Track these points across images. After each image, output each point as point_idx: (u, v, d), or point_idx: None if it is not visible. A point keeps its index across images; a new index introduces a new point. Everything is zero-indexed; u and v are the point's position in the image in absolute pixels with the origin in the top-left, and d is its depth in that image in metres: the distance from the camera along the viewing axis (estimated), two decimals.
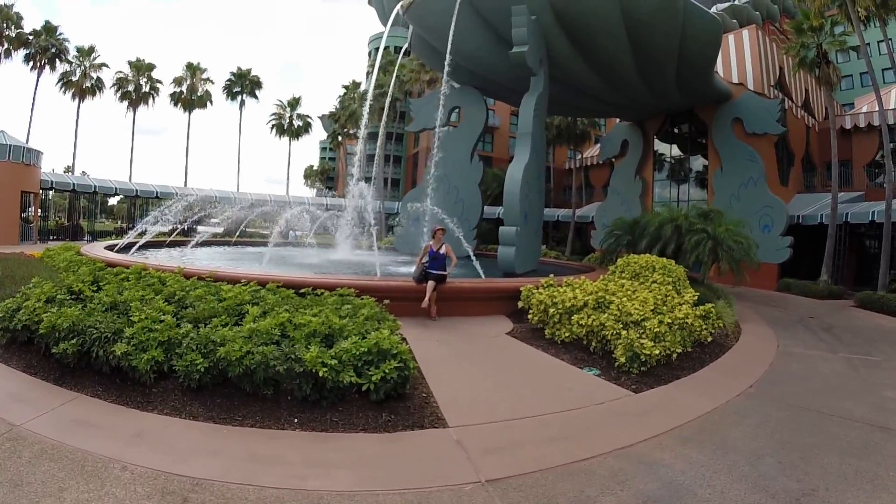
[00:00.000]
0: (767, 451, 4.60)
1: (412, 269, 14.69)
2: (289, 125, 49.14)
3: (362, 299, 6.98)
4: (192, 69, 44.63)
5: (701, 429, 5.06)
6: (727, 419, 5.38)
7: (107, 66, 40.97)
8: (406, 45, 23.49)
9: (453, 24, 16.15)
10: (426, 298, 8.71)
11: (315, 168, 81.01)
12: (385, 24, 20.69)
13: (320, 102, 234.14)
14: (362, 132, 20.58)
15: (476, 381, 6.09)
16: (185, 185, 41.22)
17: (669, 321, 7.58)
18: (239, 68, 47.26)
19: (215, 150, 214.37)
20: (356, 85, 45.55)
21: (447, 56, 16.79)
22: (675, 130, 26.91)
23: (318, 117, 54.86)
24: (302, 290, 7.36)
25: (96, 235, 32.90)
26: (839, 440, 4.94)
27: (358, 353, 4.51)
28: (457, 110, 22.16)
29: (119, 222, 51.93)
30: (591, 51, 17.09)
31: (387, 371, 4.36)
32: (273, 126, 49.86)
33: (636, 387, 6.38)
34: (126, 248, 14.48)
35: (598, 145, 38.33)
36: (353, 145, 63.04)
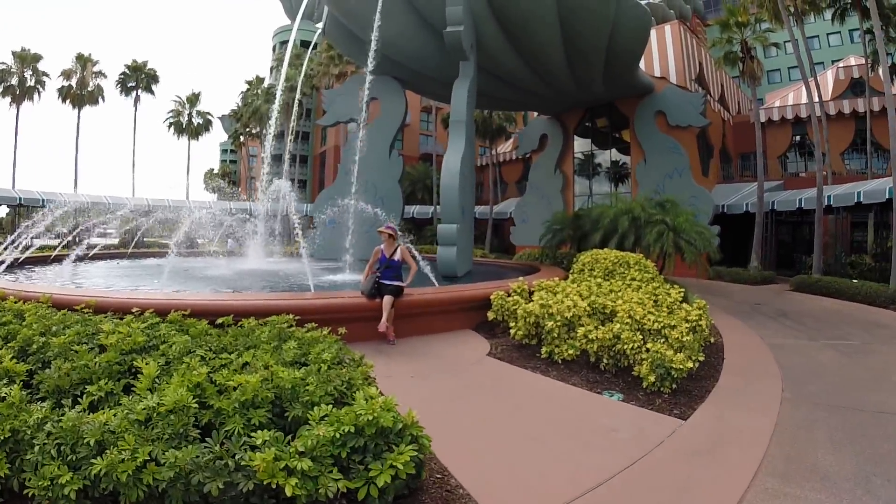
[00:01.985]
0: (864, 470, 3.87)
1: (341, 276, 12.89)
2: (188, 123, 44.94)
3: (307, 329, 4.88)
4: (83, 61, 39.22)
5: (786, 457, 4.05)
6: (797, 438, 4.48)
7: None
8: (315, 39, 21.38)
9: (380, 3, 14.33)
10: (384, 318, 6.71)
11: (215, 171, 75.35)
12: (292, 19, 18.56)
13: (220, 100, 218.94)
14: (271, 129, 17.96)
15: (494, 437, 4.24)
16: (76, 190, 36.34)
17: (688, 326, 6.27)
18: (134, 61, 42.41)
19: (108, 151, 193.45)
20: (260, 81, 42.37)
21: (373, 39, 14.87)
22: (595, 124, 26.66)
23: (219, 118, 50.80)
24: (219, 321, 5.11)
25: None
26: None
27: (340, 438, 2.56)
28: (372, 102, 20.34)
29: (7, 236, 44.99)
30: (521, 37, 15.95)
31: (400, 465, 2.40)
32: (171, 124, 45.39)
33: (677, 411, 5.04)
34: None
35: (511, 141, 38.15)
36: (256, 146, 59.10)
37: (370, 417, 2.59)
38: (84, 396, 3.08)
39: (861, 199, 17.30)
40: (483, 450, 3.96)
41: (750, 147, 24.32)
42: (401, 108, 19.46)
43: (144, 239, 22.88)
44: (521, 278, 8.74)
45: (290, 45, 24.07)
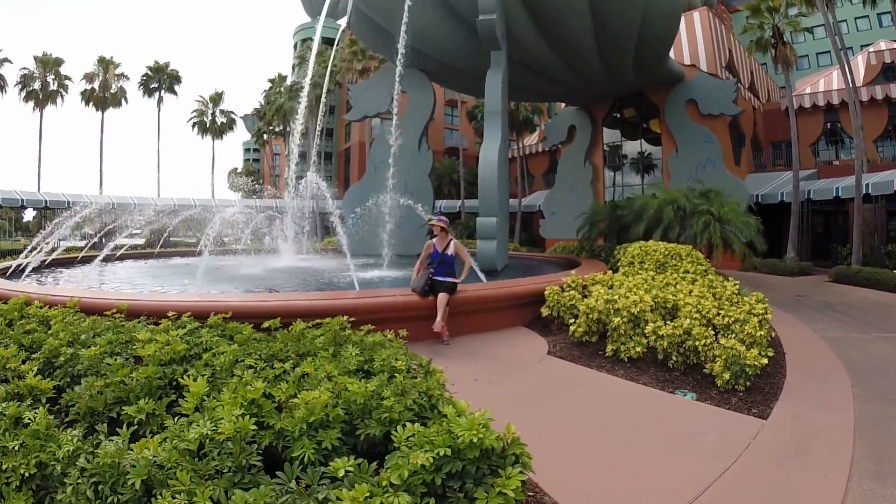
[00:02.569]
0: None
1: (376, 272, 12.71)
2: (211, 122, 45.11)
3: (365, 332, 4.43)
4: (105, 63, 39.31)
5: (875, 457, 3.83)
6: (881, 436, 4.25)
7: (9, 61, 35.90)
8: (337, 36, 21.22)
9: None
10: (439, 317, 6.30)
11: (239, 170, 76.31)
12: (312, 16, 18.47)
13: (243, 99, 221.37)
14: (298, 126, 17.80)
15: (578, 445, 3.81)
16: (101, 192, 36.63)
17: (757, 319, 5.98)
18: (156, 62, 42.58)
19: (133, 152, 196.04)
20: (282, 79, 42.31)
21: (402, 33, 14.60)
22: (624, 114, 25.99)
23: (241, 117, 51.18)
24: (265, 324, 4.68)
25: (4, 255, 27.77)
26: None
27: (432, 463, 2.11)
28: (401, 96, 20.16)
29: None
30: (551, 25, 15.45)
31: (510, 492, 2.10)
32: (195, 124, 45.56)
33: (756, 410, 4.74)
34: (23, 270, 11.12)
35: (537, 133, 37.66)
36: (280, 144, 59.31)
37: (473, 439, 2.30)
38: (122, 421, 2.61)
39: None
40: (570, 461, 3.62)
41: (781, 135, 23.53)
42: (429, 101, 19.15)
43: (171, 238, 23.04)
44: (573, 272, 8.47)
45: (317, 38, 23.71)
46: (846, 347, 7.26)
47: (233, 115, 46.40)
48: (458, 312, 7.02)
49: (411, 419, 2.63)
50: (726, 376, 5.12)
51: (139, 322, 4.74)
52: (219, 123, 45.44)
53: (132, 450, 2.15)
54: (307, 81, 21.51)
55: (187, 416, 2.51)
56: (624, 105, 25.36)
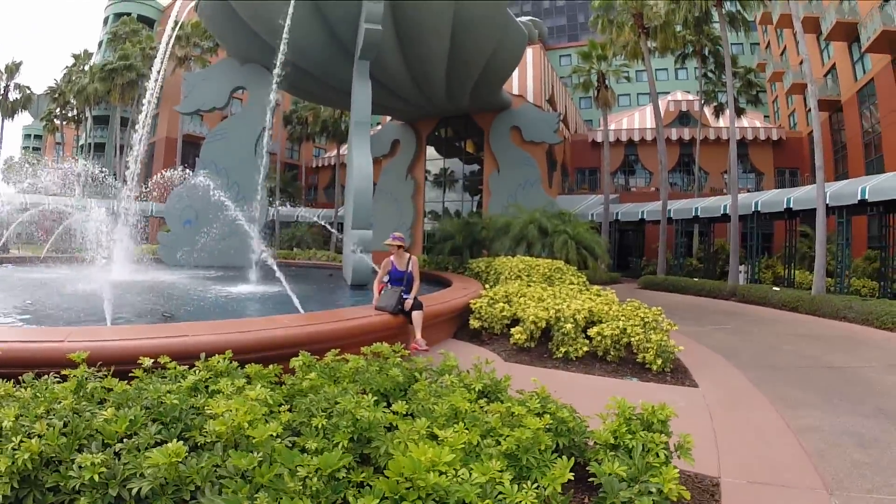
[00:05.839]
0: (793, 386, 6.61)
1: (245, 287, 11.99)
2: (3, 97, 37.64)
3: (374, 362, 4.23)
4: None
5: (785, 399, 6.01)
6: (767, 382, 6.69)
7: None
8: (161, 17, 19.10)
9: None
10: (418, 334, 6.65)
11: (15, 160, 61.73)
12: None
13: (42, 74, 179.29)
14: (146, 110, 15.32)
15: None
16: None
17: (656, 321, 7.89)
18: None
19: None
20: (88, 55, 35.99)
21: (283, 38, 14.02)
22: (449, 133, 28.77)
23: (39, 96, 42.65)
24: (293, 363, 4.17)
25: None
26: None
27: None
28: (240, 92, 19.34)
29: None
30: (412, 44, 16.74)
31: None
32: None
33: (687, 382, 6.56)
34: None
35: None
36: (72, 133, 50.28)
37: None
38: None
39: (699, 214, 21.97)
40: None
41: (586, 163, 28.99)
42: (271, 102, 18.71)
43: None
44: (480, 290, 9.60)
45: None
46: (699, 337, 9.65)
47: (29, 91, 39.34)
48: (392, 327, 7.35)
49: None
50: (659, 362, 6.77)
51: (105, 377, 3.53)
52: (12, 100, 38.27)
53: None
54: (164, 58, 18.80)
55: None
56: (449, 124, 28.03)
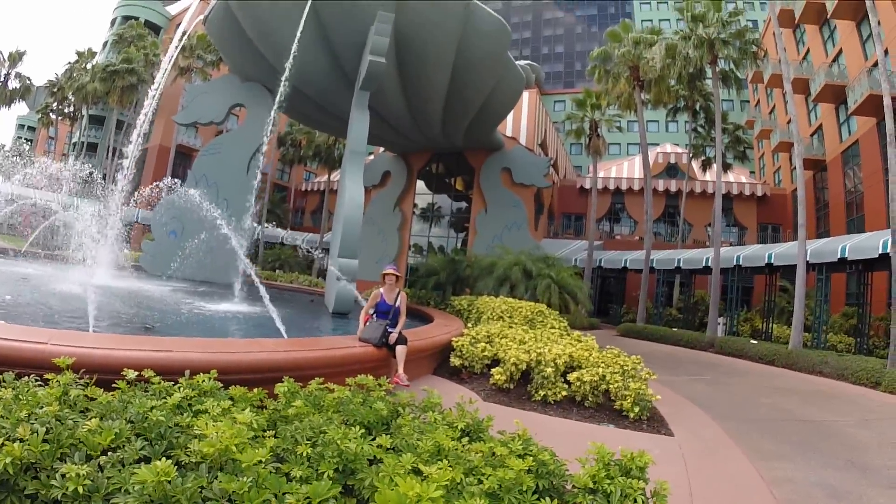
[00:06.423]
0: (767, 438, 6.83)
1: (227, 306, 11.85)
2: (2, 86, 37.92)
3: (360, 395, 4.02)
4: None
5: (758, 451, 6.19)
6: (742, 434, 6.94)
7: None
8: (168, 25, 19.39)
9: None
10: (401, 369, 6.68)
11: (7, 151, 60.84)
12: None
13: (44, 66, 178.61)
14: (146, 115, 15.34)
15: None
16: None
17: (636, 370, 8.02)
18: None
19: None
20: (92, 54, 36.19)
21: (289, 60, 14.29)
22: (440, 169, 29.25)
23: (39, 88, 42.90)
24: (279, 388, 3.92)
25: None
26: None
27: None
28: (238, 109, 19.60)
29: None
30: (413, 77, 17.19)
31: None
32: None
33: (663, 431, 6.66)
34: None
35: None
36: (66, 129, 50.22)
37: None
38: None
39: (681, 265, 22.45)
40: None
41: (573, 209, 29.60)
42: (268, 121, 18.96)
43: None
44: (462, 328, 9.66)
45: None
46: (674, 386, 9.82)
47: (29, 82, 39.46)
48: (375, 359, 7.37)
49: None
50: (636, 410, 6.87)
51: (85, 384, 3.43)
52: (11, 89, 38.41)
53: None
54: (168, 64, 19.01)
55: None
56: (442, 160, 28.49)
